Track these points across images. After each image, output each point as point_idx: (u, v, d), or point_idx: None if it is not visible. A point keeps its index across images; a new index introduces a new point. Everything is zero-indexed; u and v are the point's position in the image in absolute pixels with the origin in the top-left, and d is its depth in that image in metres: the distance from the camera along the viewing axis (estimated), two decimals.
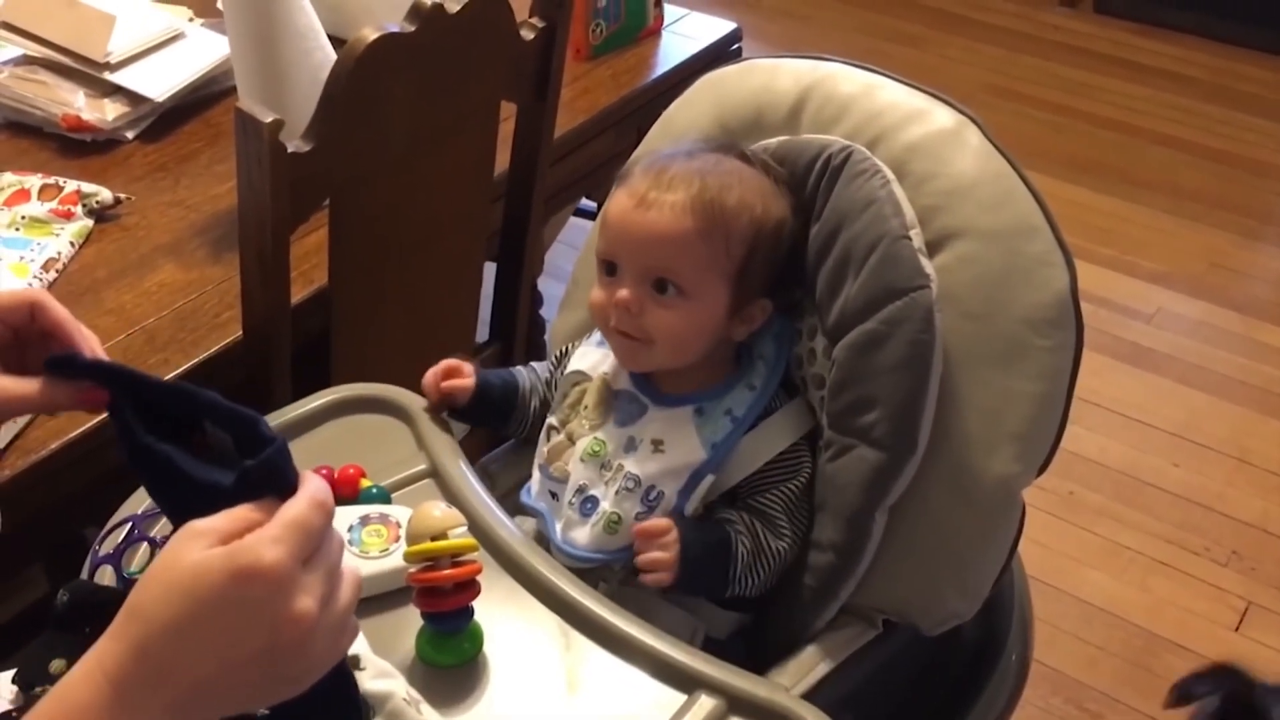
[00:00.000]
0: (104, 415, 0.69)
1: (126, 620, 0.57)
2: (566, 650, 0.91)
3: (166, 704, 0.56)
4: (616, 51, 1.88)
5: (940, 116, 1.09)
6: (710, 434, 1.06)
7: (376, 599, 0.92)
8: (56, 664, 0.76)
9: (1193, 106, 3.47)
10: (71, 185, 1.44)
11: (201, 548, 0.57)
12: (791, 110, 1.15)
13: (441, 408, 1.14)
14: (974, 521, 1.04)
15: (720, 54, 1.93)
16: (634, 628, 0.91)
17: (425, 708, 0.82)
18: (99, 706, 0.55)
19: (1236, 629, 2.00)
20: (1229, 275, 2.83)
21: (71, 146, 1.57)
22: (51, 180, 1.45)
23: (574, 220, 2.28)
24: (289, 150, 1.17)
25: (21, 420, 1.15)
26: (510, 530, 0.99)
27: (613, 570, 1.08)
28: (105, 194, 1.44)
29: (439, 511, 0.88)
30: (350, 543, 0.94)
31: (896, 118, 1.09)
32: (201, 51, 1.67)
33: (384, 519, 0.97)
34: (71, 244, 1.39)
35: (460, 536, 0.88)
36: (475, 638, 0.90)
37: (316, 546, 0.59)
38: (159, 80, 1.61)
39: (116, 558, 0.95)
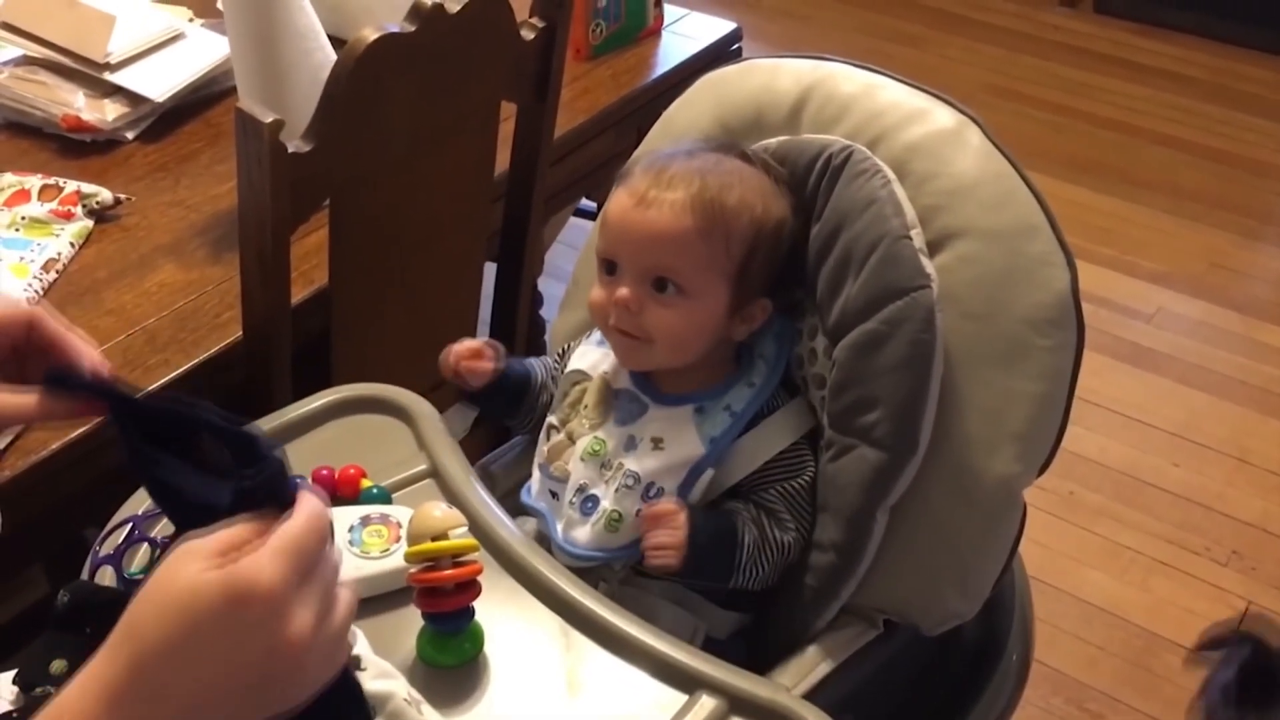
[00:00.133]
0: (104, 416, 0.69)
1: (122, 639, 0.57)
2: (567, 650, 0.91)
3: None
4: (616, 51, 1.88)
5: (941, 116, 1.09)
6: (709, 430, 1.06)
7: (377, 599, 0.92)
8: (57, 664, 0.76)
9: (1193, 106, 3.46)
10: (71, 186, 1.44)
11: (198, 569, 0.57)
12: (792, 110, 1.15)
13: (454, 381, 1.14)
14: (975, 522, 1.04)
15: (720, 54, 1.93)
16: (635, 628, 0.91)
17: (426, 708, 0.82)
18: None
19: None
20: (1229, 275, 2.83)
21: (71, 147, 1.57)
22: (51, 181, 1.44)
23: (574, 220, 2.28)
24: (289, 150, 1.17)
25: None
26: (511, 530, 0.99)
27: (613, 570, 1.08)
28: (105, 194, 1.44)
29: (440, 512, 0.88)
30: (351, 543, 0.94)
31: (897, 118, 1.10)
32: (201, 52, 1.67)
33: (385, 519, 0.96)
34: (71, 244, 1.39)
35: (461, 537, 0.88)
36: (476, 638, 0.90)
37: (312, 566, 0.60)
38: (159, 80, 1.61)
39: (117, 558, 0.95)
